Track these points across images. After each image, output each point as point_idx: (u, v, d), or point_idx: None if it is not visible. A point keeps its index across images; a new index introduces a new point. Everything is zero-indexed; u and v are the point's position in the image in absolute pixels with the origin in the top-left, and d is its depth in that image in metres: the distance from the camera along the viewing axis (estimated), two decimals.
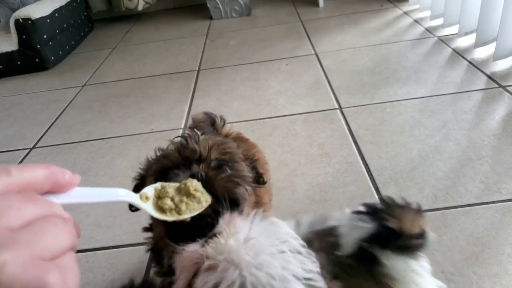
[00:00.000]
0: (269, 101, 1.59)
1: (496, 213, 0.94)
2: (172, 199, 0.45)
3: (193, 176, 0.51)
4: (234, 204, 0.52)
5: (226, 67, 1.97)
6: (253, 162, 0.64)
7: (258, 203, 0.72)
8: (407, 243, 0.48)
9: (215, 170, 0.54)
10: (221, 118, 0.84)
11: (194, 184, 0.48)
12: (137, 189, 0.61)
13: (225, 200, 0.50)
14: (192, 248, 0.41)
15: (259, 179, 0.63)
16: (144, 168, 0.62)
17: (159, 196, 0.45)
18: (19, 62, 2.22)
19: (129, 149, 1.42)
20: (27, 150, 1.51)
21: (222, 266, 0.38)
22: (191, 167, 0.53)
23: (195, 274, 0.40)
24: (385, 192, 1.05)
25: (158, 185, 0.46)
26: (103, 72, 2.14)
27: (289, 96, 1.61)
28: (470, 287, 0.79)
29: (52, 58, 2.28)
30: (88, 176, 1.30)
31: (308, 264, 0.40)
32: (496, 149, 1.14)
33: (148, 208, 0.43)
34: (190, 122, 0.85)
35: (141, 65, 2.16)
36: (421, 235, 0.50)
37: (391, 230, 0.48)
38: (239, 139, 0.87)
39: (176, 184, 0.48)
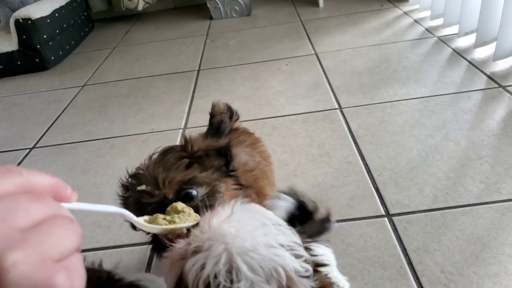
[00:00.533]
0: (269, 101, 1.60)
1: (496, 213, 0.94)
2: (164, 219, 0.47)
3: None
4: None
5: (226, 67, 1.97)
6: (206, 152, 0.61)
7: (259, 194, 0.72)
8: (318, 226, 0.50)
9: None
10: (236, 113, 0.89)
11: (182, 205, 0.50)
12: None
13: None
14: (179, 245, 0.42)
15: (226, 157, 0.62)
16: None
17: (150, 222, 0.47)
18: (19, 62, 2.22)
19: (129, 149, 1.42)
20: (27, 150, 1.51)
21: (207, 244, 0.38)
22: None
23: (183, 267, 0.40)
24: (385, 192, 1.05)
25: (147, 217, 0.48)
26: (103, 72, 2.14)
27: (289, 96, 1.61)
28: (470, 287, 0.79)
29: (52, 58, 2.28)
30: (88, 176, 1.30)
31: (290, 235, 0.41)
32: (496, 149, 1.14)
33: (144, 224, 0.44)
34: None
35: (141, 65, 2.16)
36: (328, 218, 0.52)
37: (305, 208, 0.50)
38: (245, 133, 0.89)
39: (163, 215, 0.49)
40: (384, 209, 1.00)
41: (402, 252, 0.88)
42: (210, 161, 0.59)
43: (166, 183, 0.53)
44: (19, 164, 1.43)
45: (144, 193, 0.53)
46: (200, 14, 2.86)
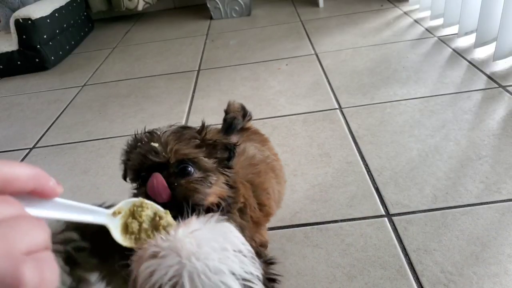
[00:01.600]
0: (269, 101, 1.60)
1: (496, 213, 0.94)
2: (140, 224, 0.45)
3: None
4: (196, 208, 0.55)
5: (226, 67, 1.97)
6: (215, 143, 0.64)
7: (257, 188, 0.74)
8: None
9: (177, 175, 0.58)
10: (250, 114, 0.92)
11: (168, 220, 0.47)
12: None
13: (187, 207, 0.51)
14: (148, 245, 0.42)
15: (230, 153, 0.65)
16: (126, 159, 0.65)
17: (133, 214, 0.45)
18: (19, 62, 2.22)
19: None
20: (27, 150, 1.51)
21: (164, 252, 0.39)
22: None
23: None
24: (385, 192, 1.05)
25: (138, 201, 0.46)
26: (103, 72, 2.14)
27: (289, 96, 1.61)
28: (470, 287, 0.79)
29: (52, 58, 2.28)
30: (88, 176, 1.30)
31: (249, 266, 0.41)
32: (496, 149, 1.14)
33: (113, 227, 0.43)
34: (224, 107, 0.90)
35: (141, 65, 2.16)
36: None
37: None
38: (256, 133, 0.93)
39: (157, 208, 0.47)
40: (384, 209, 1.00)
41: (402, 252, 0.88)
42: (215, 152, 0.63)
43: (173, 151, 0.58)
44: None
45: (153, 150, 0.58)
46: (200, 14, 2.86)
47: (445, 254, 0.86)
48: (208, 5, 2.70)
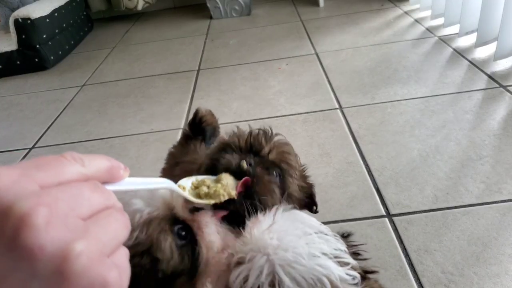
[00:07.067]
0: (269, 101, 1.59)
1: (497, 213, 0.94)
2: (208, 187, 0.48)
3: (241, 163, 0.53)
4: (254, 208, 0.51)
5: (226, 66, 1.96)
6: (309, 188, 0.65)
7: None
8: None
9: (265, 169, 0.54)
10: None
11: (229, 182, 0.49)
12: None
13: (254, 201, 0.50)
14: (224, 256, 0.42)
15: (311, 207, 0.64)
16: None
17: (196, 187, 0.48)
18: (18, 62, 2.22)
19: (128, 149, 1.41)
20: (27, 150, 1.50)
21: (249, 255, 0.38)
22: (248, 156, 0.54)
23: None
24: (385, 192, 1.05)
25: (193, 178, 0.49)
26: (103, 72, 2.14)
27: (289, 96, 1.60)
28: None
29: (52, 58, 2.27)
30: None
31: (335, 243, 0.40)
32: (497, 149, 1.14)
33: (186, 195, 0.45)
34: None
35: (140, 65, 2.15)
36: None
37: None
38: None
39: (214, 177, 0.50)
40: (384, 209, 1.00)
41: (403, 252, 0.88)
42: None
43: (278, 150, 0.59)
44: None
45: (267, 134, 0.59)
46: (200, 14, 2.85)
47: (446, 255, 0.86)
48: (208, 5, 2.69)
